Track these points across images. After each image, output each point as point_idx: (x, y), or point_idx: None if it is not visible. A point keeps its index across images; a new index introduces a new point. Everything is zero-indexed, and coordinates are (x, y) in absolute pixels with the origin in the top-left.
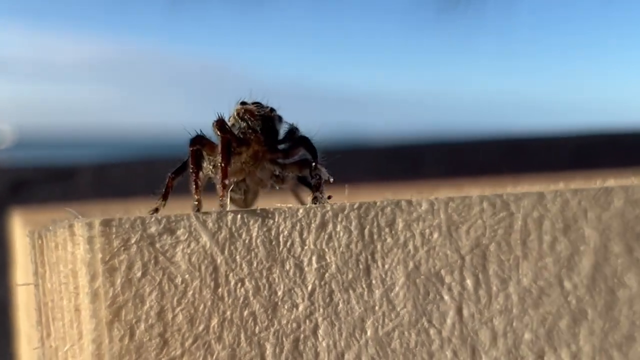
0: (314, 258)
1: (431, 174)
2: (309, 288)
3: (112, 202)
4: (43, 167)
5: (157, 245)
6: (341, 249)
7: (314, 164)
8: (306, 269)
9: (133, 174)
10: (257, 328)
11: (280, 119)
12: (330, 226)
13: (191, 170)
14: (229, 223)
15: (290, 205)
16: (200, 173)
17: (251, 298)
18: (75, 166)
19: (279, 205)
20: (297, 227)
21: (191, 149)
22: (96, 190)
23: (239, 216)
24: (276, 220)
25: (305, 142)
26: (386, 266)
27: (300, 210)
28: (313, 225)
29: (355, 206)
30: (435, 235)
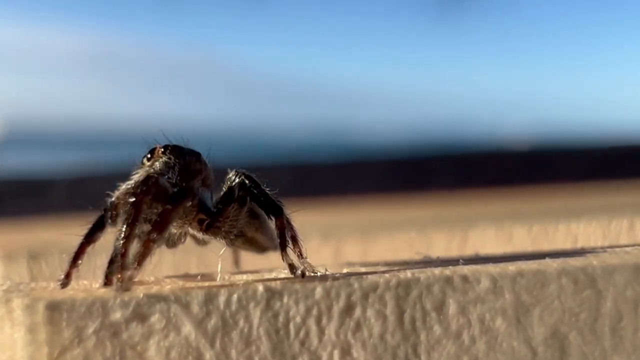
0: (336, 353)
1: (439, 186)
2: None
3: (88, 215)
4: (17, 180)
5: (124, 336)
6: (373, 340)
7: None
8: None
9: (110, 186)
10: None
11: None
12: (358, 310)
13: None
14: (221, 306)
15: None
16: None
17: None
18: (51, 179)
19: (284, 278)
20: (314, 312)
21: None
22: (72, 203)
23: (234, 297)
24: (285, 302)
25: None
26: None
27: (318, 289)
28: (335, 308)
29: (392, 283)
30: (499, 321)
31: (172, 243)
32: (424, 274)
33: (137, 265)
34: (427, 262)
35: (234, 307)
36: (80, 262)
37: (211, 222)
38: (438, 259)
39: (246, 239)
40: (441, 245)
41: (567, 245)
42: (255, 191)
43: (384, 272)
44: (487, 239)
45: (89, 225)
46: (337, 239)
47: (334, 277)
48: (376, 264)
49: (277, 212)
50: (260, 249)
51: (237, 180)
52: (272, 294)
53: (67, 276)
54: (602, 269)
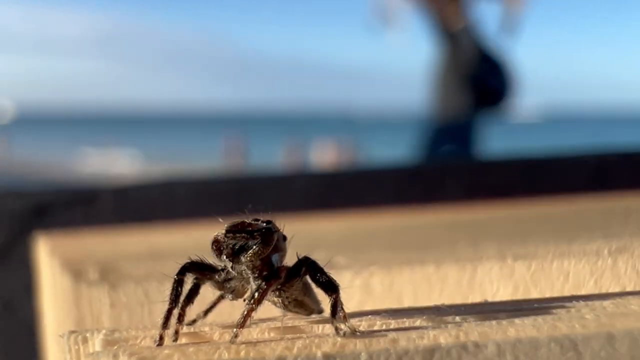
0: None
1: (449, 196)
2: None
3: (133, 226)
4: (65, 190)
5: None
6: None
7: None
8: None
9: (154, 197)
10: None
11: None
12: None
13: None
14: None
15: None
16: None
17: None
18: (97, 189)
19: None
20: None
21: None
22: (117, 214)
23: None
24: None
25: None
26: None
27: (363, 355)
28: None
29: (420, 349)
30: None
31: (239, 295)
32: (443, 337)
33: (235, 336)
34: (444, 313)
35: None
36: (169, 326)
37: (280, 288)
38: (451, 309)
39: (297, 302)
40: (453, 280)
41: (559, 284)
42: (316, 268)
43: (411, 328)
44: (493, 276)
45: (173, 289)
46: (368, 273)
47: (374, 340)
48: (403, 314)
49: (334, 290)
50: (308, 311)
51: (302, 258)
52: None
53: (161, 339)
54: (582, 335)
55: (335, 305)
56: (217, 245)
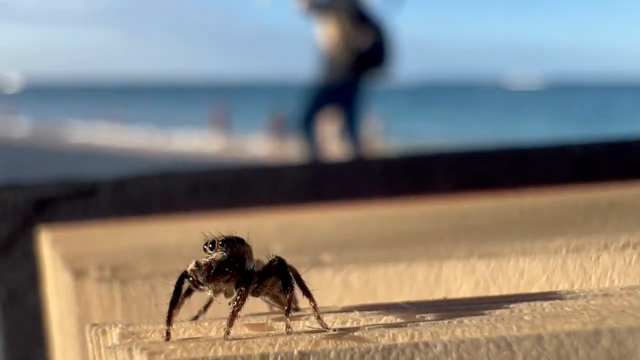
0: None
1: (438, 187)
2: None
3: (132, 219)
4: (66, 183)
5: None
6: None
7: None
8: None
9: (151, 190)
10: None
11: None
12: None
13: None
14: None
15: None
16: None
17: None
18: (97, 182)
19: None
20: None
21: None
22: (117, 207)
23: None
24: None
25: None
26: None
27: (332, 353)
28: None
29: (380, 347)
30: None
31: (231, 294)
32: (401, 336)
33: (227, 333)
34: (407, 311)
35: None
36: (173, 323)
37: (256, 288)
38: (412, 307)
39: (272, 296)
40: (422, 277)
41: (515, 281)
42: (280, 268)
43: (375, 327)
44: (457, 273)
45: (173, 294)
46: (346, 271)
47: (343, 340)
48: (372, 311)
49: (288, 289)
50: (283, 305)
51: (273, 258)
52: (302, 356)
53: (167, 334)
54: (516, 337)
55: (289, 303)
56: (195, 281)
